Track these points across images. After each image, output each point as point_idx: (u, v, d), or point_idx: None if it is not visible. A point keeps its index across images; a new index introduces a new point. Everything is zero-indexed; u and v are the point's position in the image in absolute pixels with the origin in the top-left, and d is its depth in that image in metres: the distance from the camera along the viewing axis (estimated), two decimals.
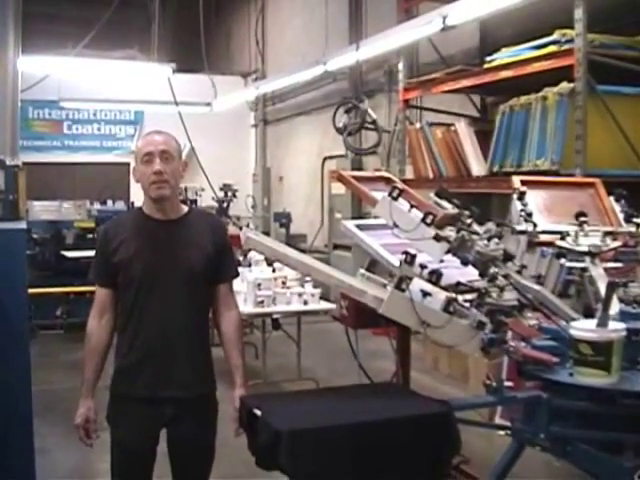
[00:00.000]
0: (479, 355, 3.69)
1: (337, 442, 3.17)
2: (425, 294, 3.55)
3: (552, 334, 3.72)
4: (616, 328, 3.34)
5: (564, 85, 7.06)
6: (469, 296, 3.75)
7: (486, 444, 5.99)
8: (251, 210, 15.84)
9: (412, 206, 3.96)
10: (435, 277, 3.65)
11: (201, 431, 3.90)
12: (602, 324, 3.31)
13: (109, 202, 15.00)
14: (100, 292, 3.92)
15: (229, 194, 11.91)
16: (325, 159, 14.76)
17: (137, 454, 3.90)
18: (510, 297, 3.77)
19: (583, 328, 3.36)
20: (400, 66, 10.24)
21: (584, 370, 3.33)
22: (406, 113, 10.07)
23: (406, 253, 3.77)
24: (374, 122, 10.67)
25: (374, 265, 4.27)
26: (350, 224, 4.90)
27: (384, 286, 3.90)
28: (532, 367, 3.51)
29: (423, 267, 3.71)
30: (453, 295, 3.65)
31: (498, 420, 6.51)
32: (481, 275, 3.79)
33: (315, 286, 7.78)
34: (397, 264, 3.92)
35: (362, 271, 4.20)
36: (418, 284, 3.57)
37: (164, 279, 3.80)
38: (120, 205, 14.62)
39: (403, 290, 3.54)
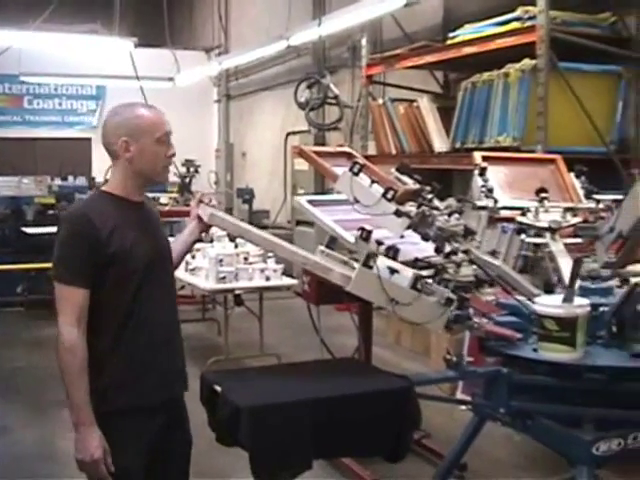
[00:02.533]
0: (444, 332, 3.68)
1: (297, 418, 3.17)
2: (392, 271, 3.52)
3: (510, 309, 3.74)
4: (581, 304, 3.36)
5: (526, 62, 7.09)
6: (426, 272, 3.74)
7: (448, 419, 6.03)
8: (214, 186, 15.80)
9: (373, 181, 3.96)
10: (392, 253, 3.62)
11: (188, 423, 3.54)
12: (568, 300, 3.31)
13: (70, 178, 14.82)
14: (80, 295, 3.15)
15: (191, 170, 11.85)
16: (288, 135, 14.71)
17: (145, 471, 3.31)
18: (467, 273, 3.78)
19: (548, 304, 3.37)
20: (363, 42, 10.24)
21: (549, 346, 3.34)
22: (369, 89, 10.06)
23: (362, 229, 3.73)
24: (336, 97, 10.64)
25: (334, 242, 4.24)
26: (303, 200, 4.84)
27: (344, 263, 3.88)
28: (495, 343, 3.53)
29: (379, 243, 3.67)
30: (420, 272, 3.64)
31: (459, 395, 6.55)
32: (437, 251, 3.78)
33: (277, 262, 7.76)
34: (352, 240, 3.91)
35: (322, 248, 4.16)
36: (385, 261, 3.55)
37: (158, 269, 3.36)
38: (81, 181, 14.43)
39: (370, 267, 3.51)
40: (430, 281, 3.61)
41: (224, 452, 3.68)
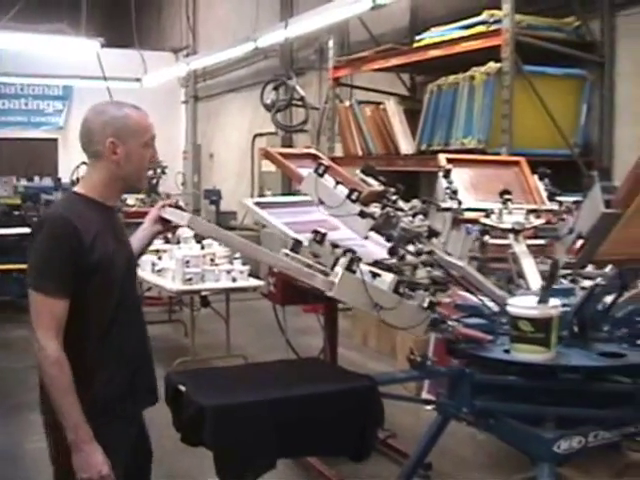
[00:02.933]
0: (427, 336, 3.67)
1: (260, 417, 3.18)
2: (375, 275, 3.51)
3: (470, 311, 3.78)
4: (555, 305, 3.37)
5: (491, 65, 7.15)
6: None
7: (413, 419, 6.06)
8: (181, 187, 15.80)
9: (338, 183, 3.99)
10: (351, 255, 3.61)
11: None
12: (543, 301, 3.33)
13: (36, 179, 14.76)
14: (60, 306, 2.93)
15: (158, 171, 11.84)
16: (256, 136, 14.72)
17: None
18: (423, 275, 3.80)
19: (523, 305, 3.37)
20: (330, 44, 10.27)
21: (523, 347, 3.34)
22: (336, 91, 10.09)
23: (316, 232, 3.69)
24: (302, 99, 10.71)
25: (299, 246, 4.21)
26: (250, 202, 4.71)
27: (309, 266, 3.88)
28: (465, 345, 3.52)
29: (335, 246, 3.66)
30: (400, 276, 3.63)
31: (425, 396, 6.58)
32: (391, 253, 3.77)
33: (244, 263, 7.78)
34: (305, 243, 3.87)
35: (285, 251, 4.11)
36: (367, 268, 3.53)
37: (132, 276, 3.27)
38: (47, 182, 14.39)
39: (354, 272, 3.46)
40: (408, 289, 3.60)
41: (190, 452, 3.69)
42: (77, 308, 2.96)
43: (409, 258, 3.78)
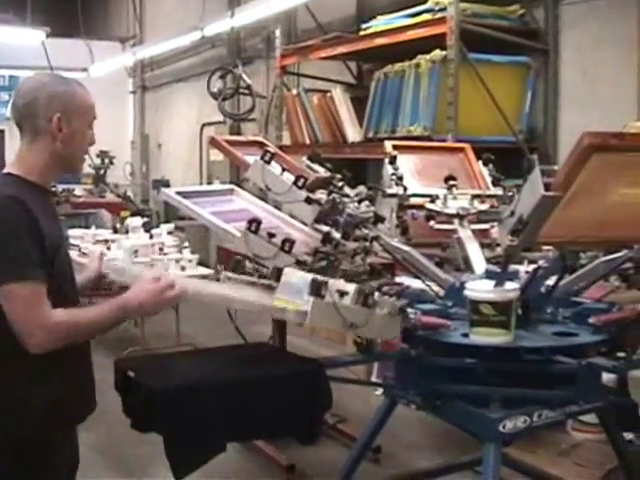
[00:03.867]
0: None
1: (209, 400, 3.19)
2: (342, 294, 3.50)
3: (413, 297, 3.81)
4: (513, 287, 3.40)
5: (437, 53, 7.21)
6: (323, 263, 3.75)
7: (363, 404, 6.12)
8: (129, 177, 15.69)
9: (284, 170, 4.01)
10: (288, 246, 3.63)
11: None
12: (500, 284, 3.35)
13: None
14: (42, 290, 2.65)
15: (106, 161, 11.78)
16: (204, 125, 14.68)
17: None
18: (360, 262, 3.83)
19: (483, 289, 3.39)
20: (277, 33, 10.26)
21: (484, 330, 3.36)
22: (284, 80, 10.09)
23: (251, 221, 3.67)
24: (248, 87, 10.69)
25: (239, 264, 4.13)
26: (171, 192, 4.48)
27: (252, 284, 3.88)
28: (424, 332, 3.50)
29: (271, 235, 3.67)
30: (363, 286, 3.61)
31: (374, 379, 6.62)
32: (324, 241, 3.78)
33: (193, 252, 7.77)
34: (237, 234, 3.84)
35: (227, 274, 4.01)
36: (334, 284, 3.52)
37: (71, 267, 2.98)
38: None
39: (323, 296, 3.39)
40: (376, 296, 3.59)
41: (141, 439, 3.70)
42: None
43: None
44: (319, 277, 3.42)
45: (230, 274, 3.91)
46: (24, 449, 2.74)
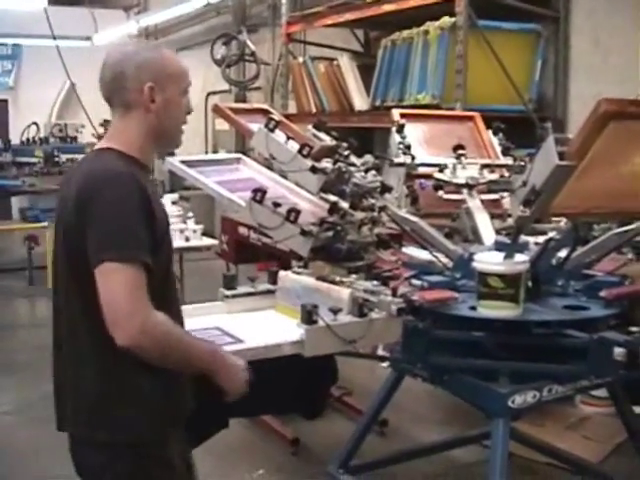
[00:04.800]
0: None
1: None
2: (336, 311, 3.40)
3: (420, 268, 3.73)
4: (523, 260, 3.33)
5: (445, 19, 7.07)
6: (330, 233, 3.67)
7: (369, 376, 6.08)
8: None
9: (289, 138, 3.94)
10: (294, 216, 3.54)
11: None
12: (509, 256, 3.27)
13: None
14: (144, 278, 2.41)
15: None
16: (209, 94, 14.55)
17: None
18: (367, 233, 3.76)
19: (491, 261, 3.30)
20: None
21: (492, 303, 3.29)
22: (289, 47, 9.96)
23: (256, 191, 3.58)
24: (253, 54, 10.58)
25: (233, 280, 4.05)
26: (175, 160, 4.35)
27: (249, 295, 3.88)
28: (430, 305, 3.40)
29: (276, 205, 3.58)
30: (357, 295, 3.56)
31: (380, 353, 6.56)
32: (331, 211, 3.69)
33: (197, 222, 7.70)
34: (243, 204, 3.74)
35: (225, 292, 3.94)
36: (327, 296, 3.42)
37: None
38: None
39: (315, 322, 3.35)
40: (371, 298, 3.52)
41: None
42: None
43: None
44: (308, 304, 3.34)
45: (228, 292, 3.88)
46: (142, 445, 2.58)
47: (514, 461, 4.76)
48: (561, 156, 2.82)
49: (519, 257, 3.32)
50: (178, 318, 2.68)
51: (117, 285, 2.35)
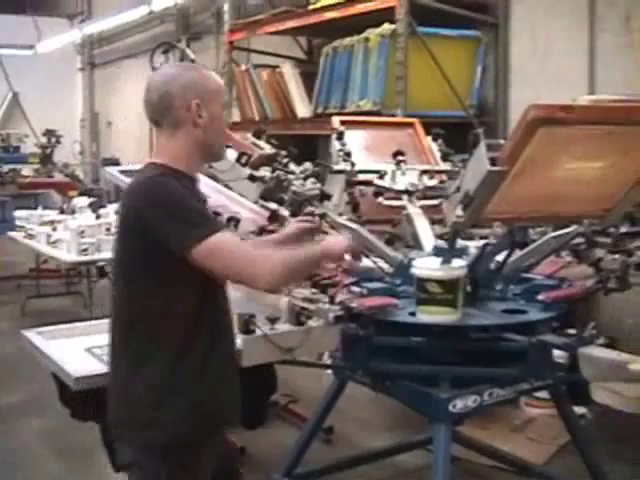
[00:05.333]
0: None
1: None
2: (273, 320, 3.39)
3: (359, 275, 3.74)
4: (460, 265, 3.34)
5: (386, 27, 7.09)
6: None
7: (315, 383, 6.06)
8: (78, 156, 15.49)
9: (227, 146, 3.91)
10: (233, 224, 3.54)
11: None
12: (446, 261, 3.28)
13: None
14: (232, 234, 2.89)
15: (52, 140, 11.59)
16: None
17: None
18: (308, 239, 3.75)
19: (429, 267, 3.31)
20: (226, 7, 10.10)
21: (431, 309, 3.29)
22: (233, 55, 9.93)
23: None
24: (193, 62, 10.49)
25: None
26: (113, 170, 4.41)
27: None
28: (369, 312, 3.41)
29: (217, 214, 3.59)
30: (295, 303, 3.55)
31: (327, 360, 6.57)
32: (270, 219, 3.69)
33: None
34: None
35: None
36: (261, 317, 3.41)
37: None
38: None
39: (253, 331, 3.36)
40: (309, 306, 3.51)
41: (81, 428, 3.62)
42: (195, 287, 2.68)
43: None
44: (244, 313, 3.34)
45: None
46: (173, 448, 2.69)
47: (459, 465, 4.81)
48: (493, 162, 2.84)
49: (457, 262, 3.34)
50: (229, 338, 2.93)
51: (230, 251, 2.60)
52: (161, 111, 2.77)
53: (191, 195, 2.69)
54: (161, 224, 2.56)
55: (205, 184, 4.34)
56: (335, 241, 3.01)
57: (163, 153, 2.80)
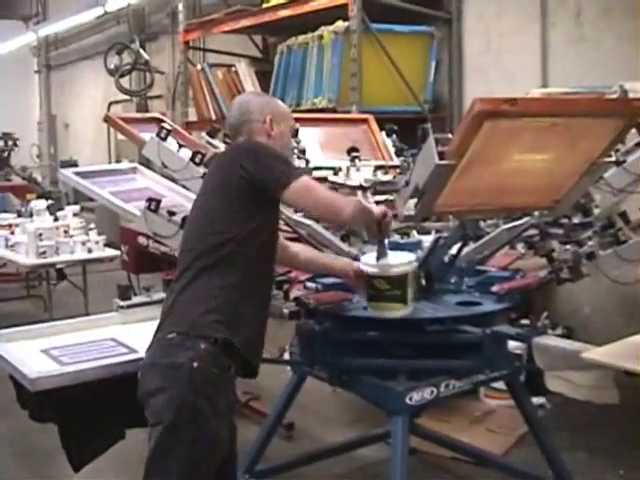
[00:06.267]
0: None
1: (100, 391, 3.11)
2: None
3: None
4: (409, 260, 3.35)
5: (339, 24, 7.13)
6: None
7: (276, 381, 6.04)
8: (36, 159, 15.38)
9: (181, 146, 3.93)
10: None
11: None
12: (380, 257, 3.28)
13: None
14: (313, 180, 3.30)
15: (9, 143, 11.51)
16: (111, 104, 14.40)
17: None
18: None
19: (376, 264, 3.31)
20: (180, 6, 10.07)
21: (381, 305, 3.32)
22: (188, 55, 9.91)
23: (150, 200, 3.66)
24: (146, 63, 10.53)
25: (128, 291, 4.11)
26: (69, 172, 4.49)
27: (144, 304, 3.95)
28: (325, 307, 3.49)
29: (171, 213, 3.61)
30: None
31: (287, 357, 6.57)
32: None
33: (100, 233, 7.62)
34: (137, 213, 3.77)
35: (119, 302, 4.04)
36: None
37: None
38: None
39: None
40: None
41: (41, 430, 3.61)
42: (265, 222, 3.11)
43: None
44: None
45: (122, 302, 3.97)
46: (197, 375, 2.85)
47: (419, 457, 4.86)
48: (441, 156, 2.87)
49: (405, 257, 3.36)
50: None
51: (319, 190, 3.10)
52: (242, 122, 3.30)
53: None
54: (259, 168, 3.01)
55: (161, 184, 4.37)
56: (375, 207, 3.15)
57: None
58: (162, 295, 3.86)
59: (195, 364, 2.83)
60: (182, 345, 2.87)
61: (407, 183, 3.11)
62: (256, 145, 3.20)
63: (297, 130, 4.62)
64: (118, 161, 13.49)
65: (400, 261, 3.31)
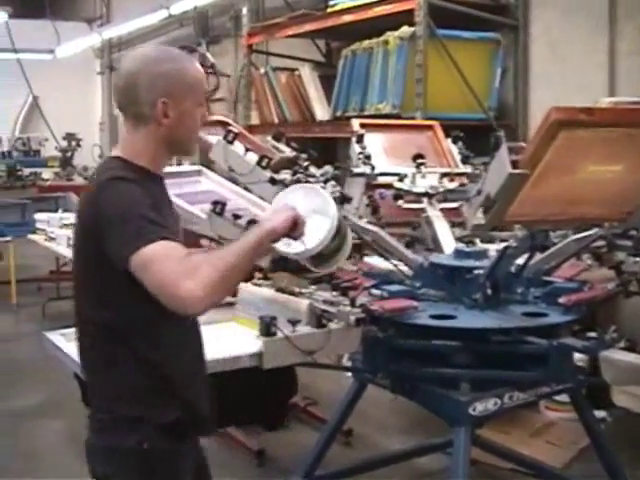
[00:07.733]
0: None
1: None
2: (294, 323, 3.38)
3: (381, 277, 3.74)
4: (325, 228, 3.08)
5: (405, 29, 7.10)
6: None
7: (334, 385, 6.06)
8: (98, 159, 15.53)
9: (248, 150, 3.93)
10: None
11: None
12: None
13: None
14: (177, 246, 2.34)
15: (73, 144, 11.64)
16: None
17: None
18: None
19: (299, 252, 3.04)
20: (244, 10, 10.12)
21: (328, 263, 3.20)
22: (251, 58, 9.95)
23: (215, 203, 3.59)
24: (212, 66, 10.54)
25: None
26: None
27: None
28: (389, 314, 3.39)
29: (237, 217, 3.59)
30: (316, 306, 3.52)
31: (346, 362, 6.56)
32: None
33: None
34: (203, 216, 3.75)
35: None
36: (282, 319, 3.39)
37: None
38: None
39: (274, 334, 3.29)
40: (330, 308, 3.48)
41: None
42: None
43: None
44: (266, 316, 3.31)
45: None
46: (150, 457, 2.53)
47: (478, 468, 4.80)
48: (514, 164, 2.84)
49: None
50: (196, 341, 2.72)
51: (147, 271, 2.26)
52: (125, 101, 2.53)
53: (143, 200, 2.38)
54: (107, 237, 2.34)
55: (226, 187, 4.36)
56: (276, 216, 2.59)
57: (126, 146, 2.58)
58: (227, 298, 3.85)
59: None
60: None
61: (479, 192, 3.07)
62: (108, 203, 2.36)
63: (362, 136, 4.60)
64: (179, 162, 13.57)
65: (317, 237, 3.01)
